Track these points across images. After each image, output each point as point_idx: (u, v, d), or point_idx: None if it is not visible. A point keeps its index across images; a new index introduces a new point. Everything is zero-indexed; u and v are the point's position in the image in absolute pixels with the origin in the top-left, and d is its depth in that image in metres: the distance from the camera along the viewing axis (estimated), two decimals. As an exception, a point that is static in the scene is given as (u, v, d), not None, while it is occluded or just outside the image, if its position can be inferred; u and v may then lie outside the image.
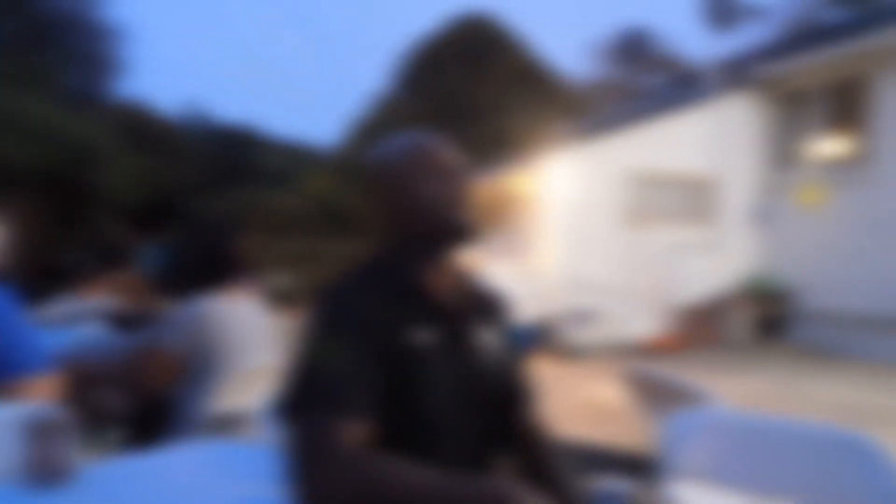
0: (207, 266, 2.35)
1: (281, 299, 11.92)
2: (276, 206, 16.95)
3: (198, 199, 19.01)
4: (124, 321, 3.25)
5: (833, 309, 8.13)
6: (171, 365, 2.19)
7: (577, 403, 5.45)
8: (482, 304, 1.36)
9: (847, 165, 8.30)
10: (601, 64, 26.03)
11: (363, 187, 1.35)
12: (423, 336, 1.19)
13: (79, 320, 3.32)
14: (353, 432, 1.05)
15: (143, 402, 2.32)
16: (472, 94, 18.29)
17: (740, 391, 5.76)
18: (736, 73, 9.33)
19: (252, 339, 2.30)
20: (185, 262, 2.50)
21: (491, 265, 5.92)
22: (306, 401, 1.08)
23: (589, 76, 24.57)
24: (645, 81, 23.68)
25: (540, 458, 1.30)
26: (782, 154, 9.11)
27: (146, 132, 20.34)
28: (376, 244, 1.32)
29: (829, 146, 8.61)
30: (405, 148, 1.29)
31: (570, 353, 7.82)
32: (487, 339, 1.30)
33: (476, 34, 19.63)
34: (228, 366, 2.19)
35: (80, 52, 20.91)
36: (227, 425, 2.19)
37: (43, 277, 7.34)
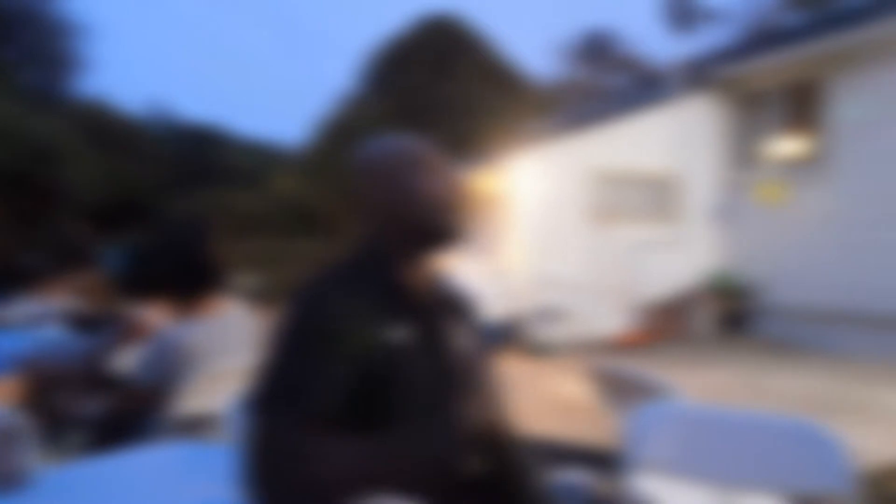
0: (180, 269, 2.33)
1: (250, 300, 11.80)
2: (243, 207, 16.75)
3: (163, 199, 18.71)
4: (85, 323, 3.20)
5: (794, 304, 8.33)
6: (146, 400, 2.17)
7: (544, 400, 5.50)
8: (453, 304, 1.38)
9: (805, 164, 8.52)
10: (566, 64, 26.28)
11: (350, 185, 1.36)
12: (400, 333, 1.20)
13: (38, 322, 3.26)
14: (315, 427, 1.06)
15: (108, 408, 2.29)
16: (440, 93, 18.32)
17: (705, 385, 5.88)
18: (697, 74, 9.50)
19: (225, 347, 2.27)
20: (156, 264, 2.47)
21: (459, 264, 5.95)
22: (270, 397, 1.09)
23: (555, 76, 24.79)
24: (609, 81, 23.96)
25: (506, 455, 1.32)
26: (743, 153, 9.31)
27: (109, 130, 19.94)
28: (357, 241, 1.32)
29: (787, 146, 8.83)
30: (395, 149, 1.31)
31: (538, 350, 7.89)
32: (459, 338, 1.32)
33: (443, 34, 19.66)
34: (196, 370, 2.17)
35: (39, 49, 20.40)
36: (194, 427, 2.17)
37: (1, 278, 7.17)
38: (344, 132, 18.33)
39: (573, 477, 0.95)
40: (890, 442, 3.98)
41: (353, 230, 1.37)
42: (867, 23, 7.69)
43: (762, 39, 11.68)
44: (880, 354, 7.09)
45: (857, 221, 7.77)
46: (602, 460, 1.60)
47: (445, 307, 1.35)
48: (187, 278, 2.28)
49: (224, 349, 2.24)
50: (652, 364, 6.81)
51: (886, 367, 6.65)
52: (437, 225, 1.26)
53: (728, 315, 9.02)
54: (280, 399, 1.08)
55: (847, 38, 7.83)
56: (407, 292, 1.27)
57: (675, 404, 1.42)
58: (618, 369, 2.13)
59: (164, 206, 17.99)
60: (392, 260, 1.28)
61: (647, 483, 1.55)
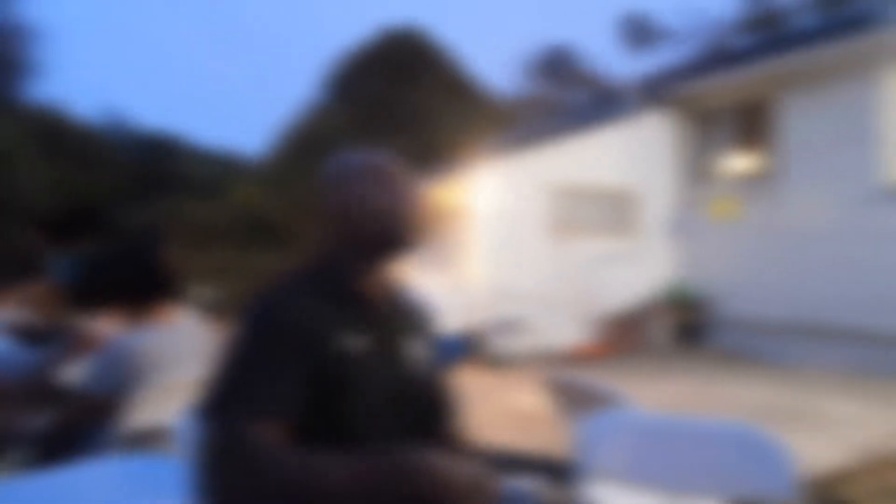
0: (133, 280, 2.29)
1: (205, 312, 11.58)
2: (202, 217, 16.48)
3: (118, 209, 18.27)
4: (33, 335, 3.11)
5: (747, 316, 8.55)
6: (97, 408, 2.12)
7: (503, 411, 5.53)
8: (411, 315, 1.40)
9: (756, 180, 8.78)
10: (527, 80, 26.62)
11: (312, 197, 1.39)
12: (356, 342, 1.21)
13: (-16, 335, 3.15)
14: (270, 432, 1.06)
15: (55, 421, 2.23)
16: (401, 105, 18.37)
17: (661, 395, 5.98)
18: (653, 92, 9.73)
19: (178, 358, 2.24)
20: (110, 275, 2.43)
21: (419, 276, 5.96)
22: (224, 402, 1.09)
23: (515, 91, 25.09)
24: (568, 97, 24.36)
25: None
26: (697, 169, 9.55)
27: (62, 137, 19.43)
28: (316, 250, 1.34)
29: (739, 162, 9.09)
30: (355, 161, 1.34)
31: (498, 362, 7.93)
32: (415, 349, 1.34)
33: (405, 47, 19.75)
34: (147, 382, 2.13)
35: (-12, 52, 19.83)
36: (145, 440, 2.13)
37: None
38: (306, 143, 18.23)
39: (523, 484, 0.97)
40: (834, 449, 4.11)
41: (312, 241, 1.39)
42: (813, 46, 7.99)
43: (715, 59, 12.03)
44: (828, 364, 7.32)
45: (805, 236, 8.04)
46: (555, 469, 1.63)
47: (403, 318, 1.37)
48: (140, 289, 2.25)
49: (176, 358, 2.21)
50: (609, 375, 6.90)
51: (834, 376, 6.87)
52: (392, 234, 1.28)
53: (683, 327, 9.20)
54: (236, 403, 1.08)
55: (795, 59, 8.12)
56: (364, 302, 1.28)
57: (626, 413, 1.45)
58: (572, 380, 2.16)
59: (119, 215, 17.58)
60: (349, 269, 1.29)
61: (598, 490, 1.58)
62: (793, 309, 8.04)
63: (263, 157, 21.03)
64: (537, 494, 0.97)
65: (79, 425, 2.16)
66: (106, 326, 2.44)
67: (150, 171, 22.03)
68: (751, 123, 8.87)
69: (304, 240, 13.85)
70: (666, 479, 1.54)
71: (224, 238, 15.72)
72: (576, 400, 2.08)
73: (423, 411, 1.33)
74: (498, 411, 5.50)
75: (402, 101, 18.44)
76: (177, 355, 2.22)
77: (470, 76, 20.83)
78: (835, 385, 6.44)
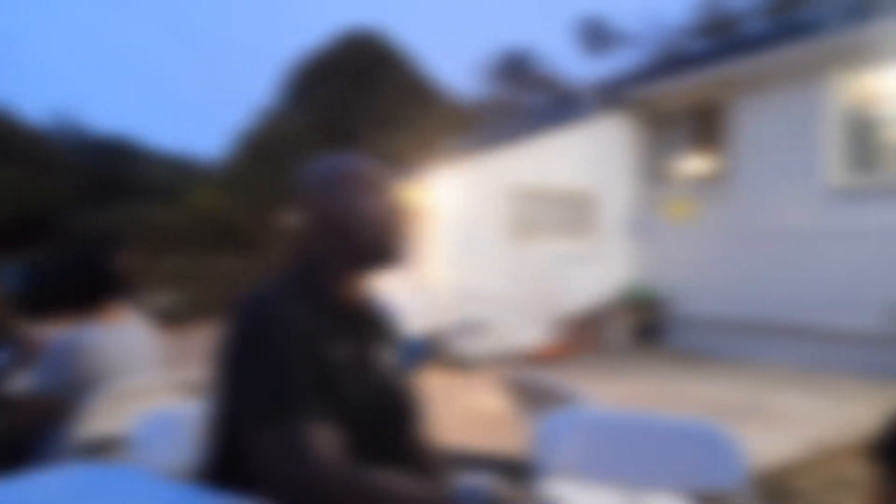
0: (85, 286, 2.24)
1: (165, 319, 11.34)
2: (160, 222, 16.16)
3: (71, 215, 17.77)
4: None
5: (704, 315, 8.74)
6: (48, 408, 2.06)
7: (466, 413, 5.55)
8: (380, 323, 1.40)
9: (711, 182, 8.99)
10: (487, 83, 26.78)
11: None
12: (338, 351, 1.20)
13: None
14: (327, 437, 1.05)
15: (5, 429, 2.17)
16: (361, 108, 18.30)
17: (620, 394, 6.07)
18: (610, 95, 9.89)
19: (131, 361, 2.20)
20: (61, 281, 2.37)
21: (382, 279, 5.94)
22: (274, 410, 1.06)
23: (475, 94, 25.21)
24: (528, 100, 24.58)
25: (427, 476, 1.33)
26: (654, 171, 9.73)
27: (9, 140, 18.83)
28: (296, 257, 1.31)
29: (694, 164, 9.30)
30: (340, 168, 1.31)
31: (460, 364, 7.95)
32: (385, 357, 1.34)
33: (364, 50, 19.68)
34: (100, 388, 2.09)
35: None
36: (99, 449, 2.08)
37: None
38: (265, 146, 18.02)
39: (475, 480, 0.98)
40: (786, 442, 4.24)
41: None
42: (763, 51, 8.22)
43: (670, 63, 12.26)
44: (782, 361, 7.53)
45: (758, 236, 8.26)
46: (514, 467, 1.64)
47: (374, 326, 1.37)
48: (90, 295, 2.20)
49: (127, 357, 2.17)
50: (569, 375, 6.98)
51: (787, 372, 7.07)
52: (380, 246, 1.27)
53: (642, 327, 9.36)
54: (287, 410, 1.05)
55: (746, 64, 8.35)
56: (344, 310, 1.28)
57: (583, 410, 1.48)
58: (530, 378, 2.19)
59: (72, 221, 17.11)
60: (332, 277, 1.28)
61: (557, 488, 1.60)
62: (748, 307, 8.25)
63: (222, 161, 20.71)
64: (492, 490, 0.98)
65: (30, 430, 2.11)
66: (52, 330, 2.39)
67: (104, 175, 21.49)
68: (705, 126, 9.08)
69: (266, 244, 13.69)
70: (624, 475, 1.57)
71: (183, 243, 15.44)
72: (534, 398, 2.11)
73: (395, 420, 1.33)
74: (460, 412, 5.52)
75: (361, 105, 18.38)
76: (127, 353, 2.18)
77: (430, 79, 20.86)
78: (788, 381, 6.63)
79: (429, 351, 7.95)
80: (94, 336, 2.16)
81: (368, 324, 1.34)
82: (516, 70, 26.16)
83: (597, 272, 9.45)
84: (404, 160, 11.38)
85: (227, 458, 1.16)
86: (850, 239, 7.35)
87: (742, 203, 8.48)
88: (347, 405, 1.18)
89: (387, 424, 1.29)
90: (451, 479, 1.28)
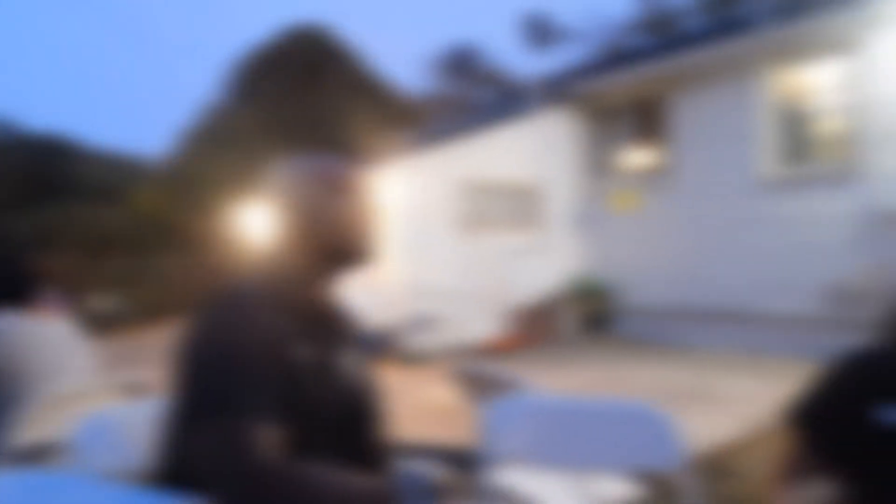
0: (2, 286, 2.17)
1: (108, 322, 11.00)
2: (98, 223, 15.65)
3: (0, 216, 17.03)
4: None
5: (651, 303, 8.96)
6: None
7: (419, 407, 5.58)
8: (345, 325, 1.40)
9: (653, 174, 9.22)
10: (434, 78, 26.81)
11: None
12: (303, 352, 1.19)
13: None
14: (269, 436, 1.03)
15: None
16: (308, 103, 18.09)
17: (570, 382, 6.19)
18: (555, 90, 10.04)
19: (58, 361, 2.14)
20: None
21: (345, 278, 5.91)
22: (216, 407, 1.04)
23: (422, 89, 25.21)
24: (475, 95, 24.71)
25: (384, 475, 1.34)
26: (599, 164, 9.92)
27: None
28: (267, 257, 1.30)
29: (637, 157, 9.52)
30: (316, 168, 1.29)
31: (412, 358, 7.97)
32: (349, 359, 1.34)
33: (311, 44, 19.45)
34: (32, 392, 2.03)
35: None
36: (37, 456, 2.03)
37: None
38: (210, 142, 17.65)
39: (416, 468, 0.99)
40: (727, 423, 4.40)
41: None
42: (701, 46, 8.47)
43: (612, 59, 12.49)
44: (725, 346, 7.79)
45: (699, 225, 8.51)
46: (463, 457, 1.67)
47: (339, 329, 1.37)
48: (5, 295, 2.13)
49: (45, 350, 2.11)
50: (521, 366, 7.07)
51: (730, 357, 7.32)
52: (355, 246, 1.27)
53: (591, 316, 9.54)
54: (232, 408, 1.03)
55: (684, 60, 8.58)
56: (311, 312, 1.27)
57: (526, 397, 1.51)
58: (474, 368, 2.22)
59: (1, 222, 16.40)
60: (303, 278, 1.27)
61: (504, 475, 1.64)
62: (692, 295, 8.50)
63: (164, 159, 20.19)
64: (432, 477, 0.99)
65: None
66: None
67: (38, 175, 20.65)
68: (647, 120, 9.30)
69: (211, 244, 13.41)
70: (567, 458, 1.61)
71: (124, 244, 15.01)
72: (480, 387, 2.14)
73: (357, 421, 1.33)
74: (412, 406, 5.54)
75: (308, 100, 18.16)
76: (45, 349, 2.12)
77: (377, 74, 20.76)
78: (730, 365, 6.87)
79: (380, 346, 7.95)
80: (9, 323, 2.09)
81: (334, 326, 1.34)
82: (463, 65, 26.27)
83: (546, 264, 9.59)
84: (352, 156, 11.31)
85: (180, 458, 1.15)
86: (783, 226, 7.65)
87: (684, 194, 8.72)
88: (310, 407, 1.17)
89: (350, 426, 1.29)
90: (394, 468, 1.29)
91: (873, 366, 0.91)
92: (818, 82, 7.61)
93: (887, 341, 0.89)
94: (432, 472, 1.00)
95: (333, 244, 1.27)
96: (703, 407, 4.96)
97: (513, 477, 1.60)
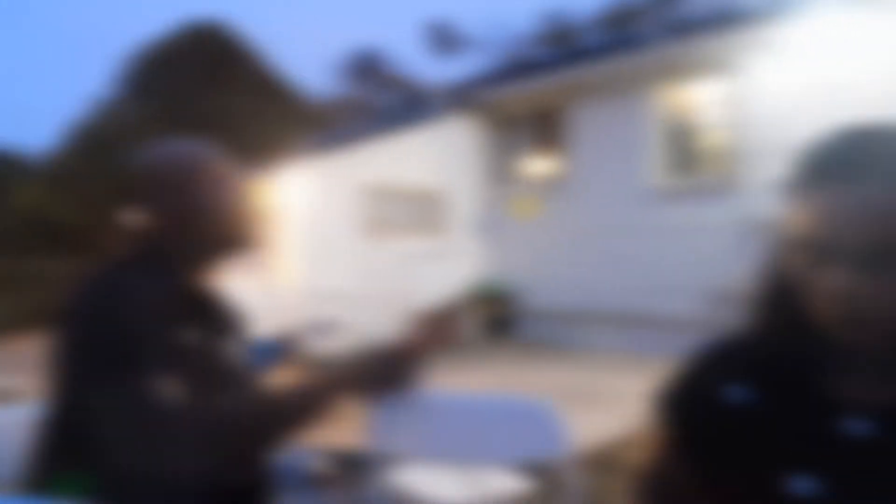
0: None
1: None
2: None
3: None
4: None
5: (550, 307, 9.25)
6: None
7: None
8: (228, 315, 1.38)
9: (553, 182, 9.54)
10: (338, 81, 26.59)
11: (129, 189, 1.29)
12: (185, 335, 1.17)
13: None
14: (168, 385, 1.01)
15: None
16: (205, 102, 17.49)
17: (469, 384, 6.29)
18: (459, 97, 10.21)
19: None
20: None
21: (228, 279, 5.75)
22: (114, 366, 1.02)
23: (327, 92, 24.94)
24: (379, 100, 24.70)
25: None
26: (501, 171, 10.16)
27: None
28: (138, 243, 1.26)
29: (538, 165, 9.82)
30: (183, 155, 1.27)
31: (314, 365, 7.85)
32: (232, 349, 1.32)
33: (210, 41, 18.82)
34: None
35: None
36: None
37: None
38: (99, 139, 16.73)
39: (295, 458, 1.01)
40: (616, 421, 4.62)
41: (111, 245, 1.30)
42: (598, 61, 8.86)
43: (514, 69, 12.83)
44: (619, 347, 8.14)
45: (596, 232, 8.87)
46: (357, 460, 1.68)
47: (221, 317, 1.35)
48: None
49: None
50: (423, 371, 7.13)
51: (622, 358, 7.65)
52: (229, 232, 1.26)
53: (494, 321, 9.74)
54: (125, 366, 1.02)
55: (582, 73, 8.96)
56: (190, 298, 1.25)
57: (415, 394, 1.54)
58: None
59: None
60: (178, 265, 1.25)
61: (394, 473, 1.67)
62: (588, 298, 8.84)
63: (49, 156, 18.95)
64: (311, 468, 1.01)
65: None
66: None
67: None
68: (547, 129, 9.62)
69: (100, 244, 12.71)
70: (456, 453, 1.66)
71: (6, 245, 13.98)
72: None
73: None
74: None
75: (205, 98, 17.56)
76: None
77: (280, 75, 20.34)
78: (622, 366, 7.19)
79: (280, 353, 7.78)
80: None
81: (215, 313, 1.33)
82: (368, 69, 26.20)
83: (449, 269, 9.71)
84: (251, 157, 11.06)
85: (63, 453, 1.12)
86: (671, 234, 8.10)
87: (580, 201, 9.08)
88: (194, 390, 1.16)
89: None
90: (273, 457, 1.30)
91: (727, 351, 1.01)
92: (702, 99, 8.13)
93: (744, 330, 0.99)
94: (310, 462, 1.02)
95: (207, 230, 1.26)
96: (593, 406, 5.18)
97: (403, 475, 1.63)
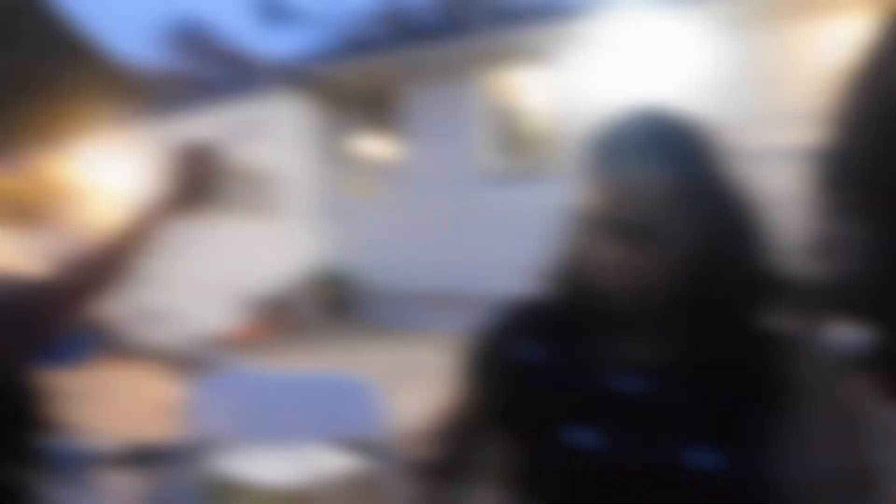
0: None
1: None
2: None
3: None
4: None
5: (391, 289, 9.28)
6: None
7: (145, 405, 5.19)
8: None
9: (389, 163, 9.59)
10: (162, 51, 24.74)
11: None
12: None
13: None
14: None
15: None
16: None
17: (306, 368, 6.21)
18: (290, 73, 9.91)
19: None
20: None
21: (30, 265, 5.19)
22: None
23: (148, 62, 23.12)
24: (205, 72, 23.35)
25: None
26: (337, 152, 10.03)
27: None
28: None
29: (374, 146, 9.82)
30: None
31: (139, 354, 7.35)
32: None
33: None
34: None
35: None
36: None
37: None
38: None
39: (69, 442, 0.96)
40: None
41: None
42: (432, 44, 9.00)
43: (349, 46, 12.67)
44: (456, 328, 8.38)
45: (432, 213, 9.04)
46: (180, 453, 1.61)
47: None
48: None
49: None
50: (261, 358, 6.95)
51: (459, 338, 7.89)
52: None
53: (333, 304, 9.62)
54: None
55: (415, 55, 9.06)
56: None
57: (231, 376, 1.50)
58: (176, 353, 2.14)
59: None
60: None
61: (215, 458, 1.61)
62: (427, 280, 8.98)
63: None
64: (86, 451, 0.97)
65: None
66: None
67: None
68: (381, 110, 9.63)
69: None
70: (276, 433, 1.64)
71: None
72: (189, 372, 2.07)
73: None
74: (139, 405, 5.15)
75: None
76: None
77: (90, 38, 18.47)
78: (456, 345, 7.42)
79: (101, 343, 7.18)
80: None
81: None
82: (193, 40, 24.63)
83: (285, 252, 9.45)
84: (51, 129, 10.00)
85: None
86: (502, 216, 8.45)
87: (416, 182, 9.20)
88: None
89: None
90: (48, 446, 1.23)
91: (524, 314, 1.07)
92: (526, 86, 8.55)
93: (542, 298, 1.06)
94: (87, 445, 0.97)
95: None
96: (424, 387, 5.31)
97: (229, 460, 1.59)
